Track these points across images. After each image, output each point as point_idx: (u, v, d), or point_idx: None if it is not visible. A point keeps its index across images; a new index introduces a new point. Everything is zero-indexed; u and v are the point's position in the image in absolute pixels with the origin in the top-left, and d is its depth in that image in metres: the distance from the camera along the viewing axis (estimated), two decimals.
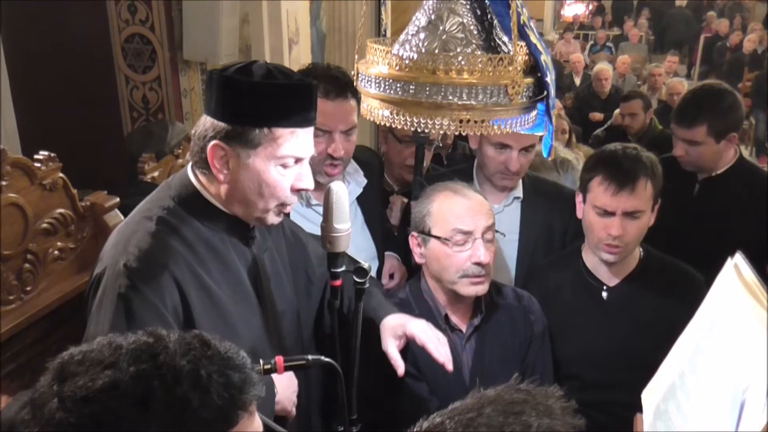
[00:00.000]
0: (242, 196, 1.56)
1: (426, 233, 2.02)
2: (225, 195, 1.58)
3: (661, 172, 2.10)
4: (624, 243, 2.06)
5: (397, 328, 1.82)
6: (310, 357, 1.54)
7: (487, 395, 0.94)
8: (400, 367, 1.77)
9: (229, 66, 1.54)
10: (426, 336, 1.79)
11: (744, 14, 14.32)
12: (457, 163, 3.67)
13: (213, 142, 1.50)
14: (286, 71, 1.56)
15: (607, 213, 2.04)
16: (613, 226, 2.03)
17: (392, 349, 1.79)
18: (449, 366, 1.78)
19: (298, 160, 1.57)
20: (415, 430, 0.93)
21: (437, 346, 1.78)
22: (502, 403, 0.91)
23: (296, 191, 1.60)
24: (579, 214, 2.19)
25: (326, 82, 2.07)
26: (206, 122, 1.53)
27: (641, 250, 2.20)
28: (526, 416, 0.88)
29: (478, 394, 0.95)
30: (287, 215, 1.84)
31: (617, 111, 5.80)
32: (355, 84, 1.46)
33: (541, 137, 2.01)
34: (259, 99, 1.48)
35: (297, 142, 1.54)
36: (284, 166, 1.54)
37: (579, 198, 2.18)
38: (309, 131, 1.58)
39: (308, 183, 1.61)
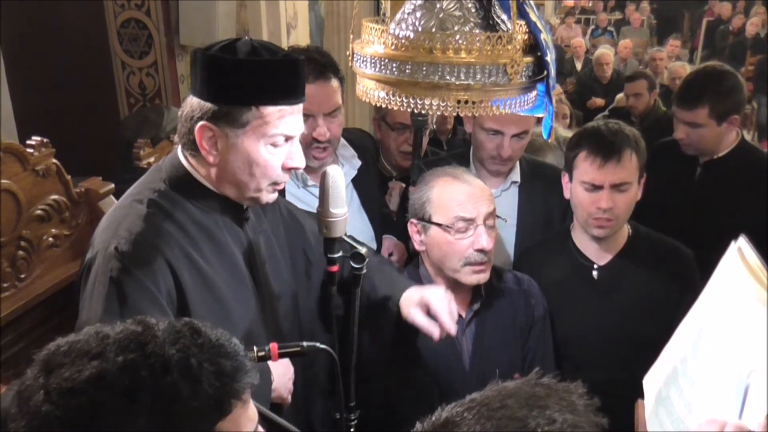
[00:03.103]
0: (233, 177, 1.54)
1: (426, 220, 1.99)
2: (215, 176, 1.55)
3: (644, 145, 2.08)
4: (614, 216, 2.05)
5: (416, 297, 1.78)
6: (305, 343, 1.52)
7: (507, 387, 0.91)
8: (434, 333, 1.73)
9: (214, 44, 1.51)
10: (440, 306, 1.75)
11: None
12: (456, 147, 3.64)
13: (200, 123, 1.48)
14: (271, 47, 1.52)
15: (595, 187, 2.03)
16: (601, 200, 2.02)
17: (419, 317, 1.74)
18: (435, 337, 1.74)
19: (288, 139, 1.54)
20: (432, 419, 0.90)
21: (445, 320, 1.73)
22: (524, 396, 0.88)
23: (287, 170, 1.57)
24: (566, 194, 2.17)
25: None
26: (193, 103, 1.50)
27: (629, 227, 2.19)
28: (550, 411, 0.85)
29: (497, 386, 0.92)
30: (281, 193, 1.80)
31: (619, 95, 5.75)
32: (350, 64, 1.43)
33: (539, 119, 1.98)
34: (245, 77, 1.45)
35: (286, 120, 1.51)
36: (274, 144, 1.52)
37: (565, 178, 2.17)
38: (298, 108, 1.54)
39: (299, 161, 1.58)
